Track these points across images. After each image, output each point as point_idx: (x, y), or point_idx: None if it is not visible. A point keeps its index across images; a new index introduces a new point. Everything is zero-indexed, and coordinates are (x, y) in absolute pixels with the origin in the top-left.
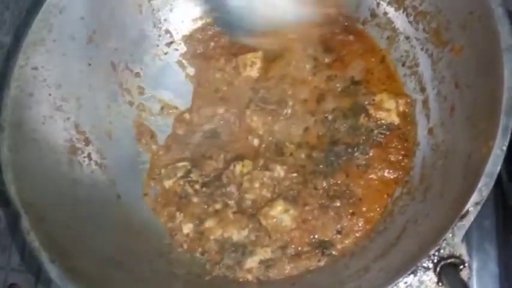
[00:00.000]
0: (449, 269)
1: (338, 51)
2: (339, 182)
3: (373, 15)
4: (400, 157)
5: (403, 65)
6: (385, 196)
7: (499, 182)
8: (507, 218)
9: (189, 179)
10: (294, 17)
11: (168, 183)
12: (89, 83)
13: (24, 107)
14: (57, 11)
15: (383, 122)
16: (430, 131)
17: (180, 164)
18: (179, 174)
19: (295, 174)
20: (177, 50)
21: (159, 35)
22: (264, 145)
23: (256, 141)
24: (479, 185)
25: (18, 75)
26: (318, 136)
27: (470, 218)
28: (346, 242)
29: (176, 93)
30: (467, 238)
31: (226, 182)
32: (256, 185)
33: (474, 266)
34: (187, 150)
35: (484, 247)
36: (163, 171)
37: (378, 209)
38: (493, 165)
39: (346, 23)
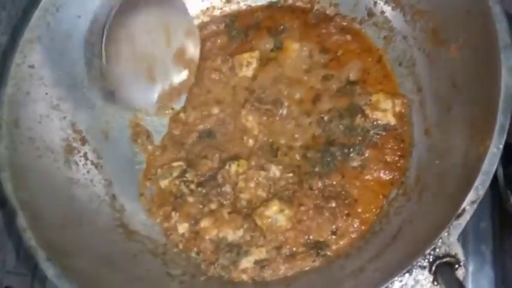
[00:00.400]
0: (444, 268)
1: (334, 51)
2: (335, 182)
3: (370, 14)
4: (396, 158)
5: (400, 64)
6: (381, 197)
7: (496, 185)
8: (503, 221)
9: (185, 178)
10: None
11: (163, 183)
12: (86, 83)
13: (21, 105)
14: (54, 9)
15: (379, 122)
16: (427, 132)
17: (176, 163)
18: (175, 174)
19: (290, 175)
20: None
21: None
22: (258, 145)
23: (251, 142)
24: (476, 183)
25: (15, 73)
26: (314, 136)
27: (467, 217)
28: (341, 243)
29: None
30: (463, 241)
31: (222, 182)
32: (252, 184)
33: (470, 268)
34: (183, 150)
35: (481, 250)
36: (159, 171)
37: (374, 210)
38: (490, 164)
39: (343, 23)
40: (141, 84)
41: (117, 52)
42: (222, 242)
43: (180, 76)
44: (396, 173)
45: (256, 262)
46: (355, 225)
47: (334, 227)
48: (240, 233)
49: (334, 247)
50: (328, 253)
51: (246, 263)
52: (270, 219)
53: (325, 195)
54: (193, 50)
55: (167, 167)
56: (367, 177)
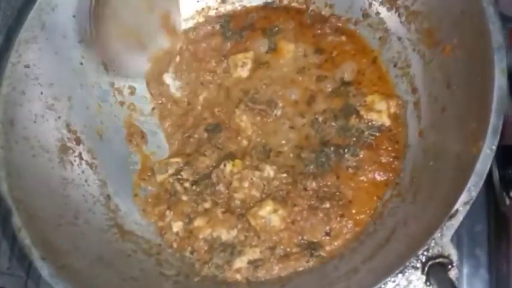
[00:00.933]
0: (437, 269)
1: (329, 51)
2: (329, 183)
3: (366, 15)
4: (391, 159)
5: (395, 66)
6: (375, 198)
7: (491, 188)
8: (499, 224)
9: (179, 176)
10: None
11: (159, 178)
12: (81, 82)
13: (16, 105)
14: (49, 8)
15: (374, 123)
16: (421, 133)
17: (174, 159)
18: (170, 171)
19: (284, 175)
20: None
21: None
22: (252, 145)
23: (245, 142)
24: (469, 184)
25: (10, 72)
26: (308, 137)
27: (459, 217)
28: (335, 243)
29: None
30: (458, 244)
31: (216, 181)
32: (246, 184)
33: (465, 271)
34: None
35: (476, 253)
36: (157, 164)
37: (368, 212)
38: (483, 165)
39: (338, 23)
40: (134, 54)
41: (105, 30)
42: (215, 241)
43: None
44: (391, 174)
45: (249, 262)
46: (349, 226)
47: (328, 228)
48: (234, 232)
49: (328, 248)
50: (322, 254)
51: (240, 262)
52: (263, 220)
53: (319, 196)
54: (175, 13)
55: (165, 162)
56: (362, 178)
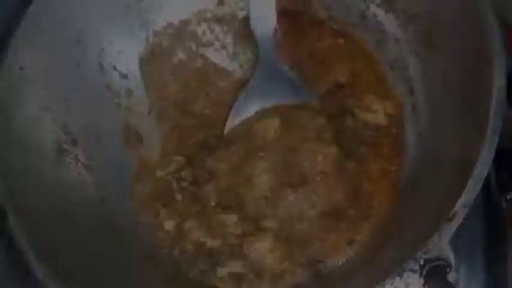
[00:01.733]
0: (435, 272)
1: (326, 54)
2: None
3: (363, 17)
4: (393, 153)
5: (392, 68)
6: (391, 189)
7: (488, 191)
8: (496, 229)
9: (178, 175)
10: None
11: (159, 173)
12: (77, 84)
13: (12, 106)
14: (45, 9)
15: (370, 123)
16: (419, 136)
17: (176, 157)
18: (171, 168)
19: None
20: None
21: (147, 37)
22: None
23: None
24: (467, 186)
25: (6, 74)
26: None
27: (458, 220)
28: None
29: None
30: (455, 248)
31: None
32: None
33: (462, 276)
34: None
35: (473, 257)
36: (158, 160)
37: (387, 204)
38: (482, 167)
39: (335, 26)
40: None
41: None
42: (202, 246)
43: None
44: (395, 168)
45: (230, 275)
46: (372, 222)
47: (351, 237)
48: (218, 242)
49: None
50: (324, 267)
51: (221, 273)
52: (259, 253)
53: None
54: None
55: (167, 159)
56: (374, 166)
